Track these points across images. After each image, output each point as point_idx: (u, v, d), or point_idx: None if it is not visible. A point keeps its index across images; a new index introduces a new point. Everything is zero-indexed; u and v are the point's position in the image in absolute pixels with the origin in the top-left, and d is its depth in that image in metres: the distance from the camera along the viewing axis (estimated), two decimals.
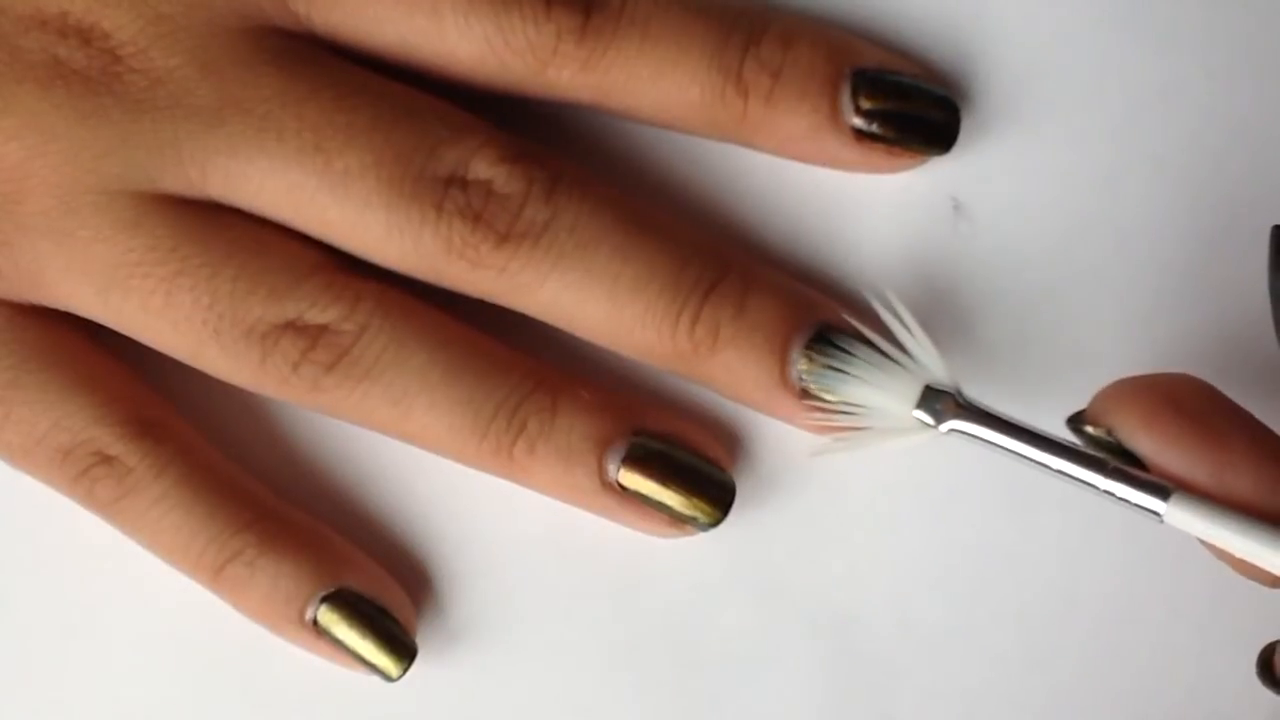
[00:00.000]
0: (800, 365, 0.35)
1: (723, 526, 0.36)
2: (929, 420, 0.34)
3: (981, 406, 0.34)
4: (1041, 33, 0.37)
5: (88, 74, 0.34)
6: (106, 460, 0.36)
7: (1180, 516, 0.32)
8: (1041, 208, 0.37)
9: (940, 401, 0.34)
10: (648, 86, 0.35)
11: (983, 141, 0.37)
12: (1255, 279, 0.37)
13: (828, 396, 0.35)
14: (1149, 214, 0.37)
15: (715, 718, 0.37)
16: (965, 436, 0.33)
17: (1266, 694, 0.33)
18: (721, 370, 0.35)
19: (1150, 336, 0.37)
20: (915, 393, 0.34)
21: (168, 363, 0.36)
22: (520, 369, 0.36)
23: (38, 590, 0.38)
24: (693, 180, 0.37)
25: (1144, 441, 0.32)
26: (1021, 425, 0.33)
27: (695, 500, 0.36)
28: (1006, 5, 0.37)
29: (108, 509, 0.36)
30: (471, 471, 0.36)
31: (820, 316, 0.36)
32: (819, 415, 0.35)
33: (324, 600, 0.36)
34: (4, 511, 0.38)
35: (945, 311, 0.37)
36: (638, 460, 0.35)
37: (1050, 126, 0.37)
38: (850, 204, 0.37)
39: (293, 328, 0.35)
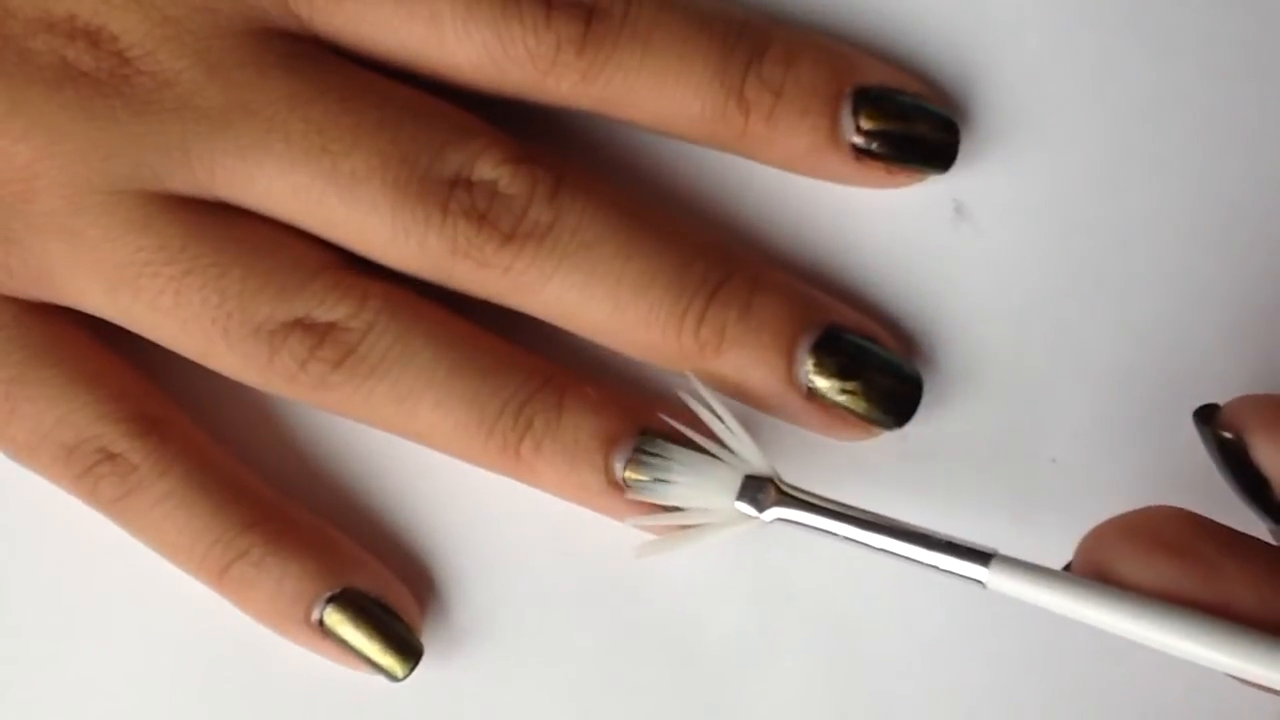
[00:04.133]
0: (807, 365, 0.35)
1: None
2: (751, 511, 0.34)
3: (800, 494, 0.34)
4: (1043, 34, 0.37)
5: (96, 76, 0.34)
6: (111, 457, 0.36)
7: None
8: (1042, 210, 0.37)
9: (761, 490, 0.34)
10: (649, 99, 0.35)
11: (984, 144, 0.37)
12: (1255, 280, 0.37)
13: (652, 500, 0.35)
14: (1148, 216, 0.37)
15: (715, 718, 0.38)
16: (791, 524, 0.34)
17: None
18: (727, 371, 0.35)
19: (1150, 339, 0.37)
20: (735, 484, 0.34)
21: (174, 360, 0.36)
22: (526, 367, 0.36)
23: (39, 589, 0.38)
24: (697, 181, 0.38)
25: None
26: (843, 510, 0.33)
27: None
28: (1008, 7, 0.37)
29: (111, 507, 0.36)
30: (478, 472, 0.36)
31: (827, 317, 0.36)
32: (642, 514, 0.35)
33: (330, 600, 0.36)
34: (6, 509, 0.38)
35: (945, 312, 0.37)
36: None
37: (1050, 128, 0.37)
38: (851, 205, 0.37)
39: (300, 326, 0.35)
